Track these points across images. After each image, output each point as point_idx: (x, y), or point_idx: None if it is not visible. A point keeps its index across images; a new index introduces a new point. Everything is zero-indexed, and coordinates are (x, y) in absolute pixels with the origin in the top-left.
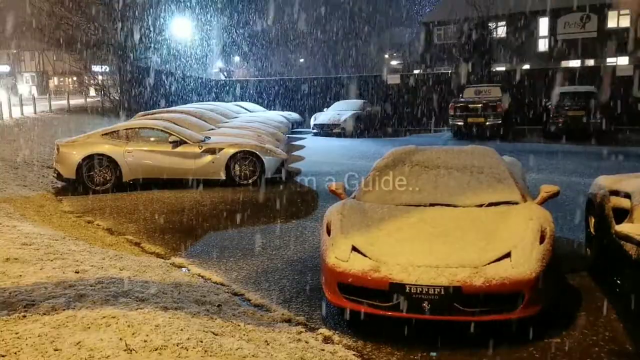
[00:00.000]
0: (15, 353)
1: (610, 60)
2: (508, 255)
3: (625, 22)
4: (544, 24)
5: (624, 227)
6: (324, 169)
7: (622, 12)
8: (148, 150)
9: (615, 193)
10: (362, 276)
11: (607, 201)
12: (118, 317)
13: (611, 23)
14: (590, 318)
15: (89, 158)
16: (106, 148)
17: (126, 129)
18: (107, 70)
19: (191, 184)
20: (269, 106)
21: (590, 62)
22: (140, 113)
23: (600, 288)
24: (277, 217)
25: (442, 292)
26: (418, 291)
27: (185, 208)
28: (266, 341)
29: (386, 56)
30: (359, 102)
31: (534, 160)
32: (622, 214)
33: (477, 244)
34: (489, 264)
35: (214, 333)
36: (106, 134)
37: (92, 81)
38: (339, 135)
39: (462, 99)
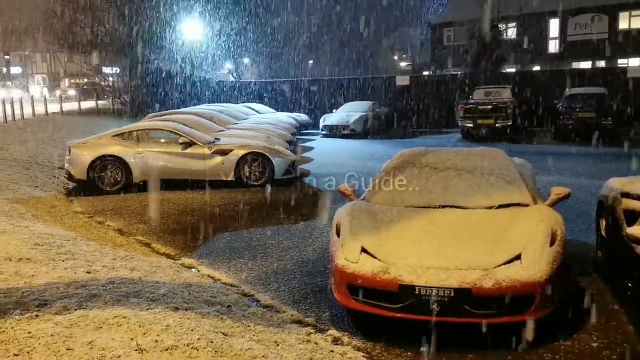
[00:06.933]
0: (28, 352)
1: (622, 62)
2: (518, 257)
3: (636, 23)
4: (554, 25)
5: (635, 230)
6: (333, 171)
7: (633, 13)
8: (158, 151)
9: (627, 195)
10: (371, 278)
11: (619, 203)
12: (129, 317)
13: (622, 24)
14: (601, 321)
15: (100, 159)
16: (117, 149)
17: (136, 131)
18: (118, 71)
19: (201, 185)
20: (277, 107)
21: (601, 63)
22: (151, 114)
23: (611, 291)
24: (286, 218)
25: (452, 294)
26: (427, 293)
27: (195, 209)
28: (276, 342)
29: (395, 57)
30: (368, 103)
31: (544, 162)
32: (634, 217)
33: (487, 246)
34: (499, 266)
35: (224, 334)
36: (117, 135)
37: (103, 82)
38: (348, 136)
39: (471, 101)
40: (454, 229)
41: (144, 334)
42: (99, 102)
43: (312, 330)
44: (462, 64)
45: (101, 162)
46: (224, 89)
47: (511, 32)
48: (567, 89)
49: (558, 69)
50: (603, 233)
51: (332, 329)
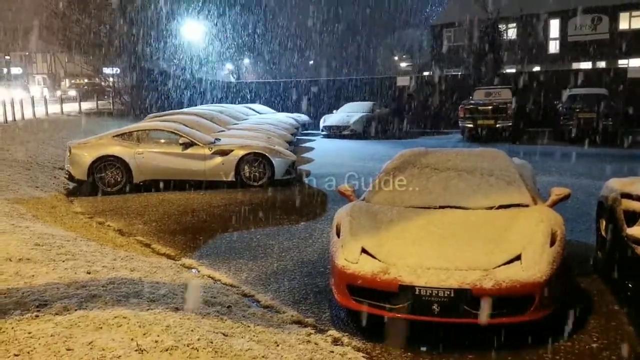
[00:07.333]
0: (29, 352)
1: (622, 62)
2: (518, 258)
3: (637, 24)
4: (554, 25)
5: (635, 231)
6: (333, 171)
7: (633, 13)
8: (159, 151)
9: (627, 196)
10: (371, 278)
11: (619, 204)
12: (129, 318)
13: (623, 25)
14: (601, 321)
15: (100, 159)
16: (117, 150)
17: (137, 131)
18: (118, 72)
19: (201, 185)
20: (278, 108)
21: (602, 64)
22: (151, 115)
23: (611, 291)
24: (286, 218)
25: (452, 295)
26: (427, 293)
27: (195, 209)
28: (276, 342)
29: (396, 58)
30: (369, 104)
31: (544, 163)
32: (634, 217)
33: (487, 247)
34: (499, 266)
35: (224, 334)
36: (117, 135)
37: (103, 83)
38: (348, 137)
39: (472, 101)
40: (454, 229)
41: (144, 334)
42: (99, 102)
43: (312, 331)
44: (462, 64)
45: (101, 163)
46: (224, 89)
47: (511, 33)
48: (568, 90)
49: (558, 69)
50: (603, 233)
51: (332, 330)
